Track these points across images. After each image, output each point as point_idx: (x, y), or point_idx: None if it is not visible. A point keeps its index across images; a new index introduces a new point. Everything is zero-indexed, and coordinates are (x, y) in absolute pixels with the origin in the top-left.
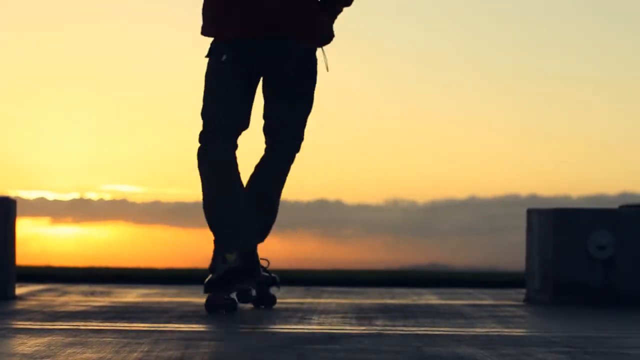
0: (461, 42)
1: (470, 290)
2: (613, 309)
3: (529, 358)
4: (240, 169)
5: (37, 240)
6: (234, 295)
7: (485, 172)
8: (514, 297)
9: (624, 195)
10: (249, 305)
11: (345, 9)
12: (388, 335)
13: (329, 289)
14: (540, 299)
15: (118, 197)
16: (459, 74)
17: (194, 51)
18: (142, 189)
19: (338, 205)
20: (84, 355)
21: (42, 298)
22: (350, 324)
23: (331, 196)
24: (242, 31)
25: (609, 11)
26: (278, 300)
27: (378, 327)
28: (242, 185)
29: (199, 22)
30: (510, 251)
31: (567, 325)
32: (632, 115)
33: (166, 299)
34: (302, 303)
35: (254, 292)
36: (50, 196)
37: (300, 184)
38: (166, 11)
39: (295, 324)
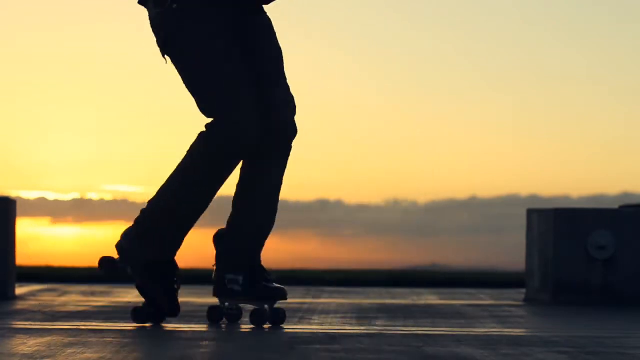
0: (461, 43)
1: (470, 290)
2: (613, 309)
3: (529, 358)
4: None
5: (37, 240)
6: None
7: (485, 172)
8: (514, 297)
9: (624, 195)
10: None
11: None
12: (388, 335)
13: (329, 289)
14: (540, 299)
15: (119, 197)
16: (459, 74)
17: None
18: (143, 189)
19: (338, 205)
20: (84, 355)
21: (42, 298)
22: (350, 324)
23: (331, 196)
24: None
25: (609, 11)
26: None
27: (378, 327)
28: None
29: None
30: (510, 251)
31: (567, 325)
32: (632, 115)
33: None
34: (302, 303)
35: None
36: (51, 196)
37: (301, 184)
38: None
39: (295, 324)
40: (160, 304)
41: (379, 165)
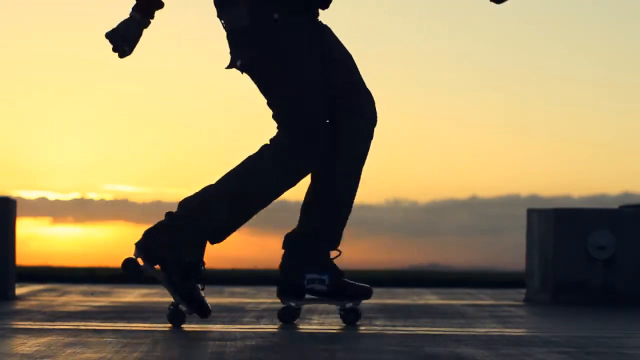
0: (461, 42)
1: (470, 290)
2: (613, 309)
3: (529, 358)
4: None
5: (37, 240)
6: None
7: (485, 172)
8: (514, 297)
9: (624, 195)
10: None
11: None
12: (388, 335)
13: None
14: (540, 299)
15: (119, 197)
16: (459, 74)
17: (194, 51)
18: (143, 189)
19: None
20: (84, 355)
21: (42, 298)
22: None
23: None
24: None
25: (609, 11)
26: (278, 300)
27: (378, 327)
28: None
29: (197, 23)
30: (510, 251)
31: (567, 325)
32: (632, 115)
33: (166, 299)
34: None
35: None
36: (52, 196)
37: (301, 184)
38: (165, 13)
39: (295, 324)
40: (193, 305)
41: (379, 165)
